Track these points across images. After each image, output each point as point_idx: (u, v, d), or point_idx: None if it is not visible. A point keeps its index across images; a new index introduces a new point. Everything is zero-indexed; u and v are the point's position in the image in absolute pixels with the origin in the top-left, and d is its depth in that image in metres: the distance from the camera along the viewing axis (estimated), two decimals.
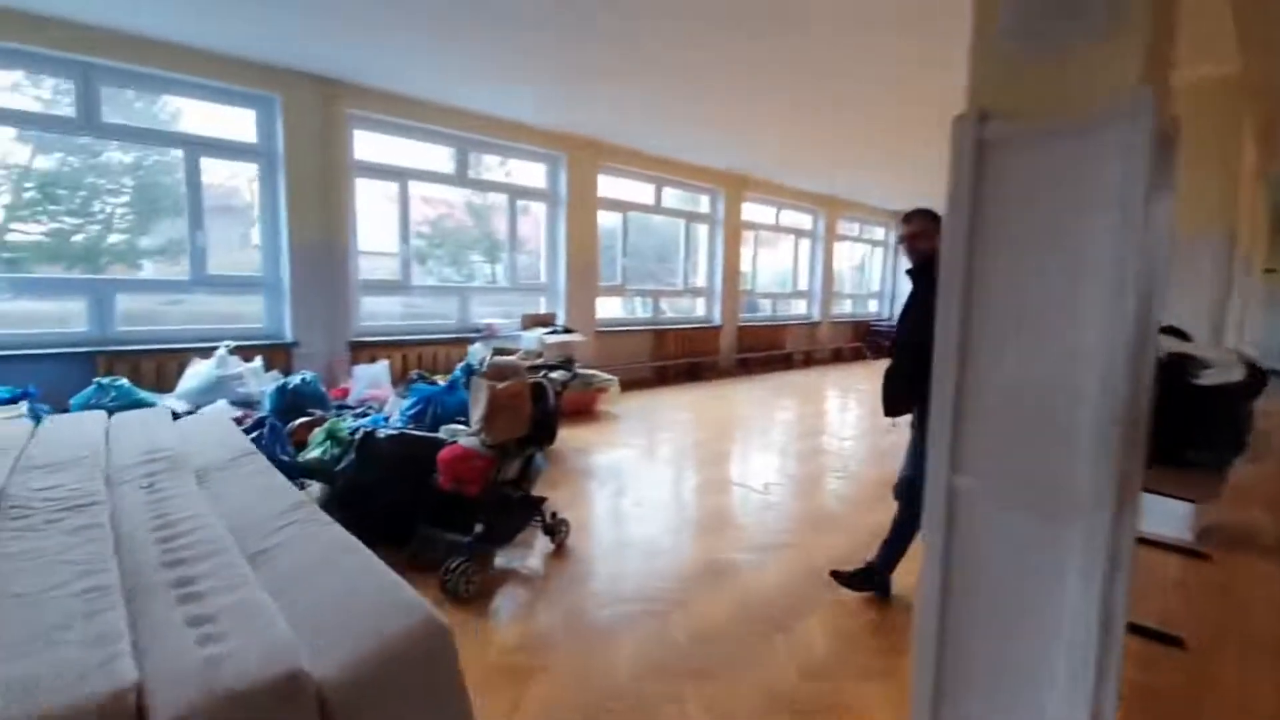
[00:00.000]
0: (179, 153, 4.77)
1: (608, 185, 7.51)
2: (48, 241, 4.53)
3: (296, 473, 2.97)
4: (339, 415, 4.24)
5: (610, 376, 6.16)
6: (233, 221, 5.40)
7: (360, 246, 5.72)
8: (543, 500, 3.30)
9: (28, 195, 4.45)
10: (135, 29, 4.27)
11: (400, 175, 5.88)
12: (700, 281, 9.03)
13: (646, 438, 5.34)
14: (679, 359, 8.26)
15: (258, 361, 4.54)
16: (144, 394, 3.68)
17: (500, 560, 2.80)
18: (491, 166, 6.89)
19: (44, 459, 2.11)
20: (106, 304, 4.52)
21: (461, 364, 4.59)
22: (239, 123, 5.07)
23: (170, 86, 4.70)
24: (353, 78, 5.22)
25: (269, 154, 5.10)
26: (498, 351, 5.32)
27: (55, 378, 4.05)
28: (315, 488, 2.83)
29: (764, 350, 9.55)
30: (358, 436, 2.97)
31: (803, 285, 10.85)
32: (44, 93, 4.36)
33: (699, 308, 9.09)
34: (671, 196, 8.51)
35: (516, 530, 2.83)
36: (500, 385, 2.72)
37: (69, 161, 4.51)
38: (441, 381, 5.01)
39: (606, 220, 7.69)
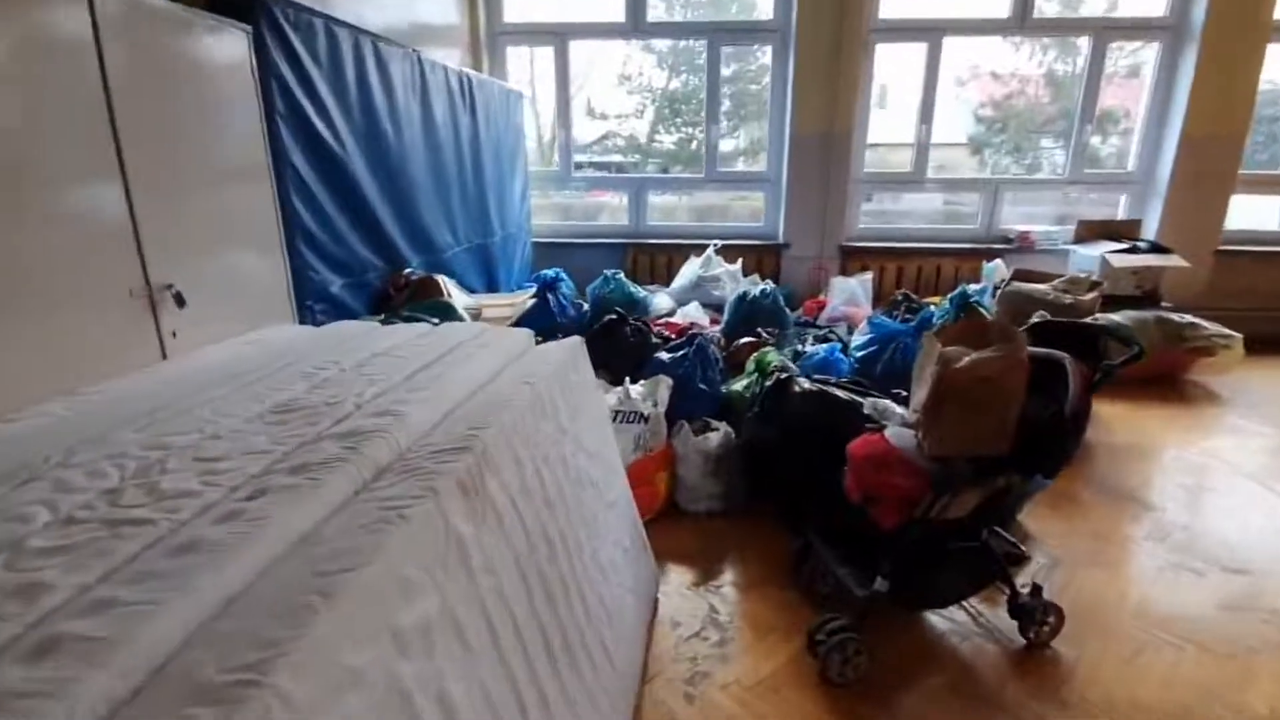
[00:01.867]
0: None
1: None
2: (673, 149, 5.34)
3: (706, 406, 2.62)
4: (798, 335, 3.76)
5: (1228, 332, 3.81)
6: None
7: (869, 137, 4.84)
8: (1016, 558, 2.13)
9: (663, 111, 5.29)
10: None
11: (931, 32, 4.59)
12: None
13: (1264, 459, 3.06)
14: None
15: (738, 264, 4.38)
16: (635, 288, 3.94)
17: (920, 630, 1.88)
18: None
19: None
20: (641, 200, 5.05)
21: (955, 291, 3.41)
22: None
23: None
24: None
25: (782, 30, 4.61)
26: (1019, 276, 3.82)
27: (597, 263, 4.77)
28: (718, 433, 2.42)
29: None
30: (769, 381, 2.39)
31: None
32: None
33: None
34: None
35: (952, 597, 1.82)
36: (966, 359, 1.65)
37: (690, 81, 5.23)
38: (934, 306, 3.94)
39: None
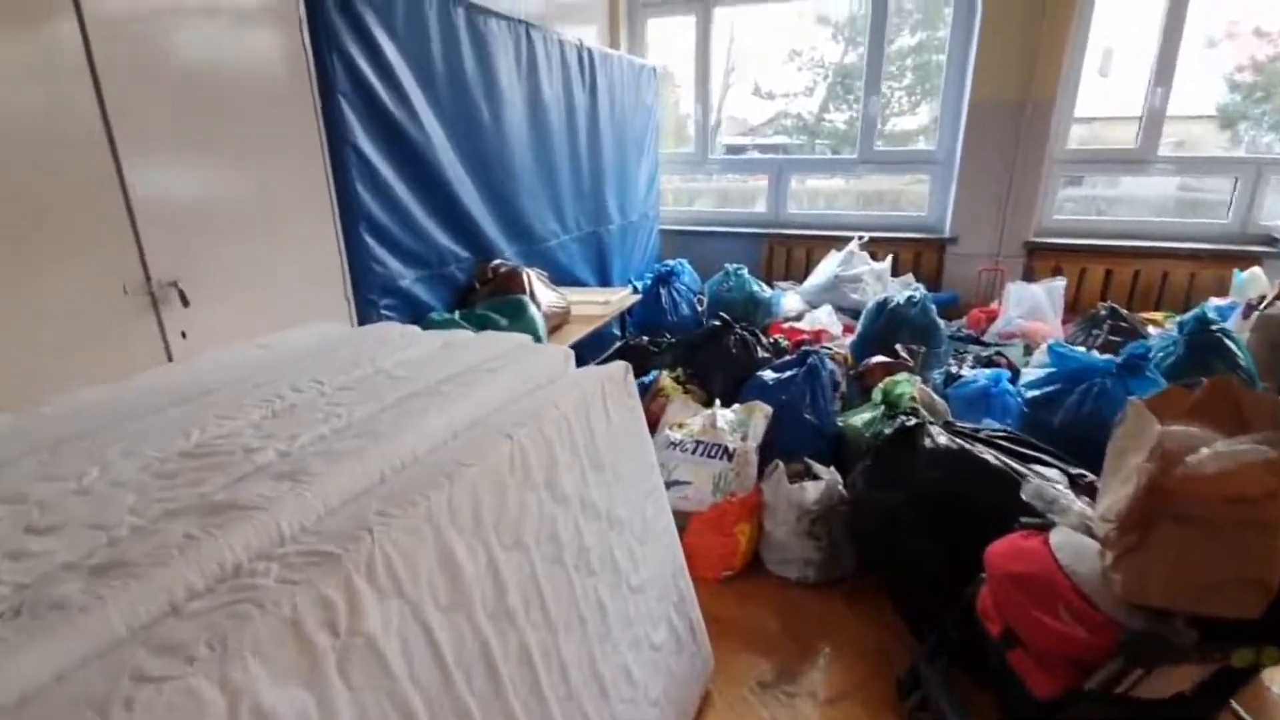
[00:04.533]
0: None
1: None
2: (843, 128, 4.70)
3: (813, 443, 2.13)
4: (955, 353, 3.07)
5: None
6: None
7: (1080, 109, 3.86)
8: None
9: (835, 88, 4.73)
10: None
11: None
12: None
13: None
14: None
15: (887, 262, 3.71)
16: (759, 286, 3.47)
17: None
18: None
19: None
20: (782, 185, 4.51)
21: (1190, 313, 2.52)
22: None
23: None
24: None
25: None
26: None
27: (733, 255, 4.32)
28: (820, 483, 1.92)
29: None
30: (893, 426, 1.85)
31: None
32: None
33: None
34: None
35: None
36: (1202, 454, 1.05)
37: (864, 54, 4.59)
38: (1156, 333, 3.05)
39: None
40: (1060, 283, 3.40)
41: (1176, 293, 3.63)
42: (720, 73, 4.58)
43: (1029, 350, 3.13)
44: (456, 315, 2.15)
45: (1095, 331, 3.12)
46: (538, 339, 2.05)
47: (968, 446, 1.70)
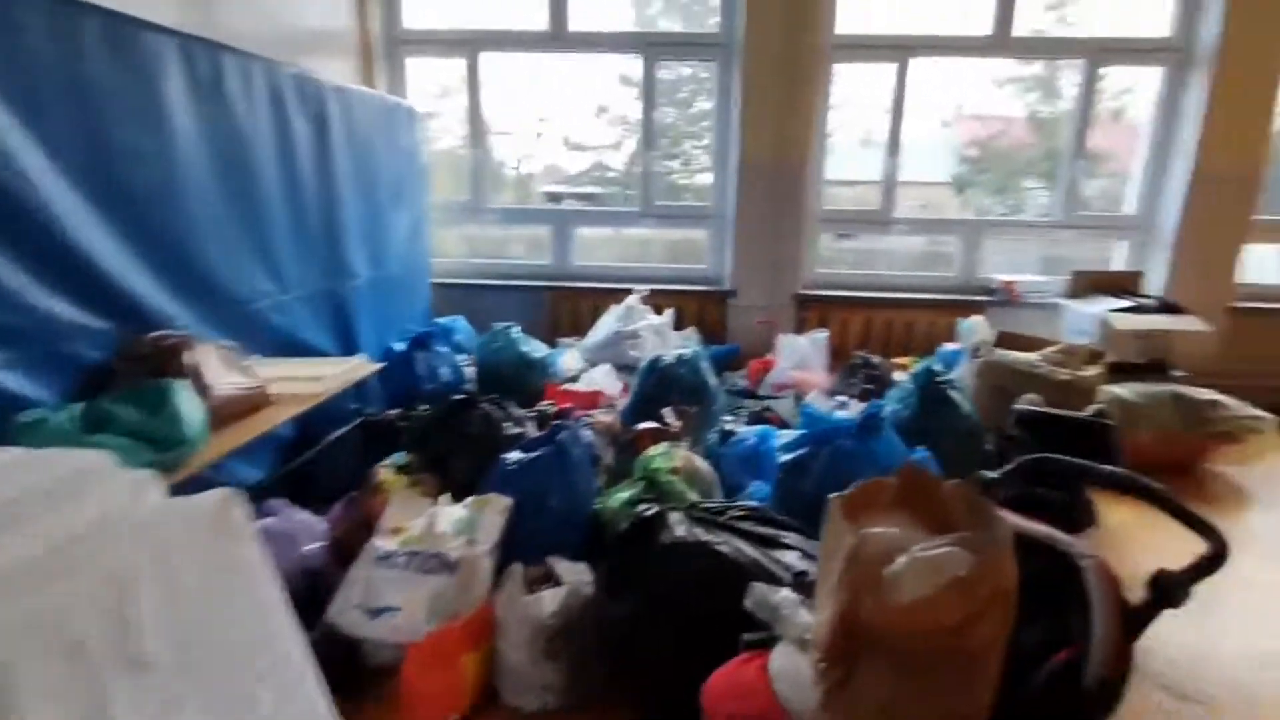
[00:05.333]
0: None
1: None
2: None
3: (570, 534, 1.84)
4: (733, 408, 3.00)
5: (1258, 413, 3.08)
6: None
7: (843, 171, 4.22)
8: None
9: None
10: None
11: (897, 50, 3.94)
12: None
13: None
14: None
15: (667, 315, 3.64)
16: (530, 347, 3.18)
17: None
18: (1065, 12, 4.19)
19: None
20: (565, 235, 4.33)
21: (920, 366, 2.65)
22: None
23: None
24: None
25: (727, 45, 3.96)
26: (1003, 341, 3.10)
27: (513, 309, 4.02)
28: (559, 592, 1.62)
29: None
30: (635, 516, 1.61)
31: None
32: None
33: None
34: None
35: None
36: (900, 566, 0.89)
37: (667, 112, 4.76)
38: (905, 371, 3.22)
39: None
40: (823, 334, 3.53)
41: (921, 339, 3.97)
42: (516, 122, 4.39)
43: (799, 399, 3.17)
44: (69, 413, 1.56)
45: (853, 380, 3.25)
46: (178, 442, 1.55)
47: (706, 539, 1.50)
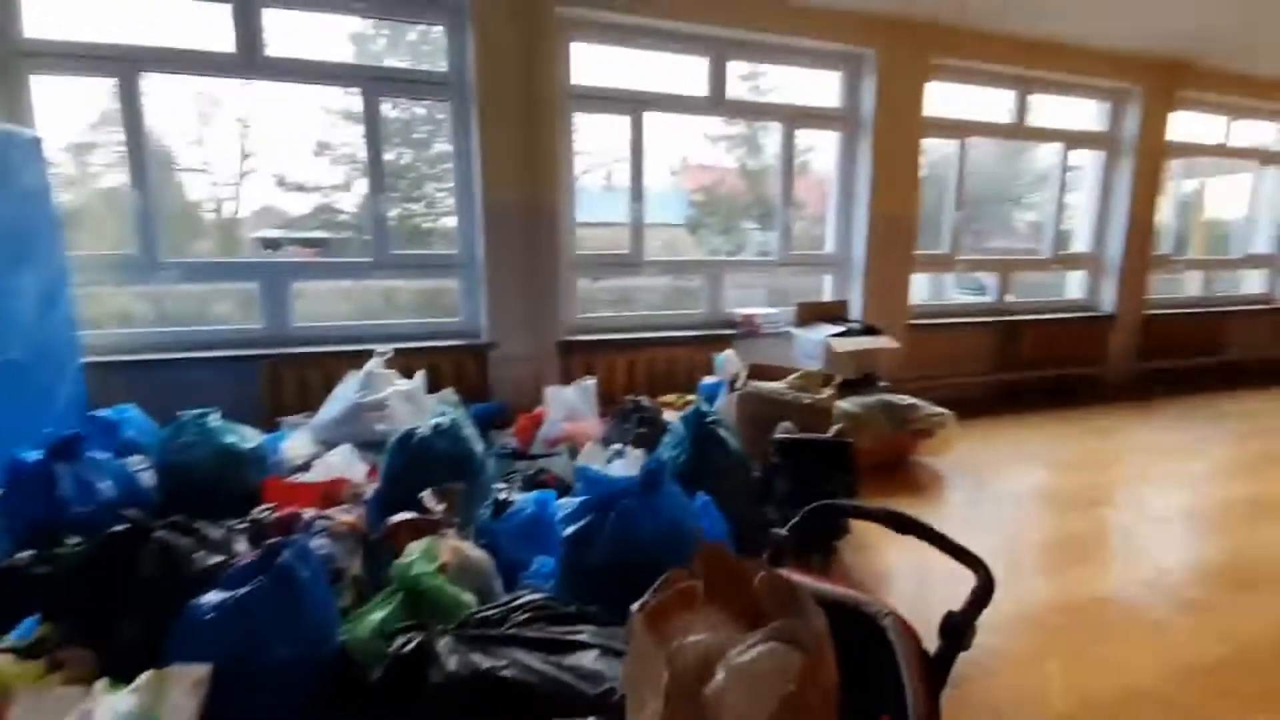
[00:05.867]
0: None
1: (939, 98, 4.85)
2: (395, 225, 3.99)
3: (298, 683, 1.38)
4: (505, 475, 2.69)
5: (941, 410, 3.71)
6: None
7: (600, 215, 4.27)
8: None
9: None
10: None
11: (631, 104, 4.11)
12: (1082, 245, 5.77)
13: (996, 538, 2.85)
14: (1040, 369, 5.29)
15: (419, 378, 3.22)
16: (236, 435, 2.52)
17: None
18: (760, 82, 4.83)
19: None
20: (280, 291, 3.63)
21: (690, 408, 2.66)
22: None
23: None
24: None
25: (458, 85, 3.74)
26: (755, 373, 3.31)
27: (215, 387, 3.21)
28: None
29: (1186, 355, 5.90)
30: (392, 653, 1.25)
31: (1260, 246, 6.62)
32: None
33: (1074, 287, 5.86)
34: (1046, 109, 5.39)
35: None
36: (719, 677, 0.71)
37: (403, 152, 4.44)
38: (674, 409, 3.23)
39: (930, 152, 5.07)
40: (590, 381, 3.43)
41: (683, 375, 4.11)
42: (212, 157, 3.56)
43: (574, 453, 2.99)
44: None
45: (626, 425, 3.18)
46: None
47: (487, 666, 1.20)
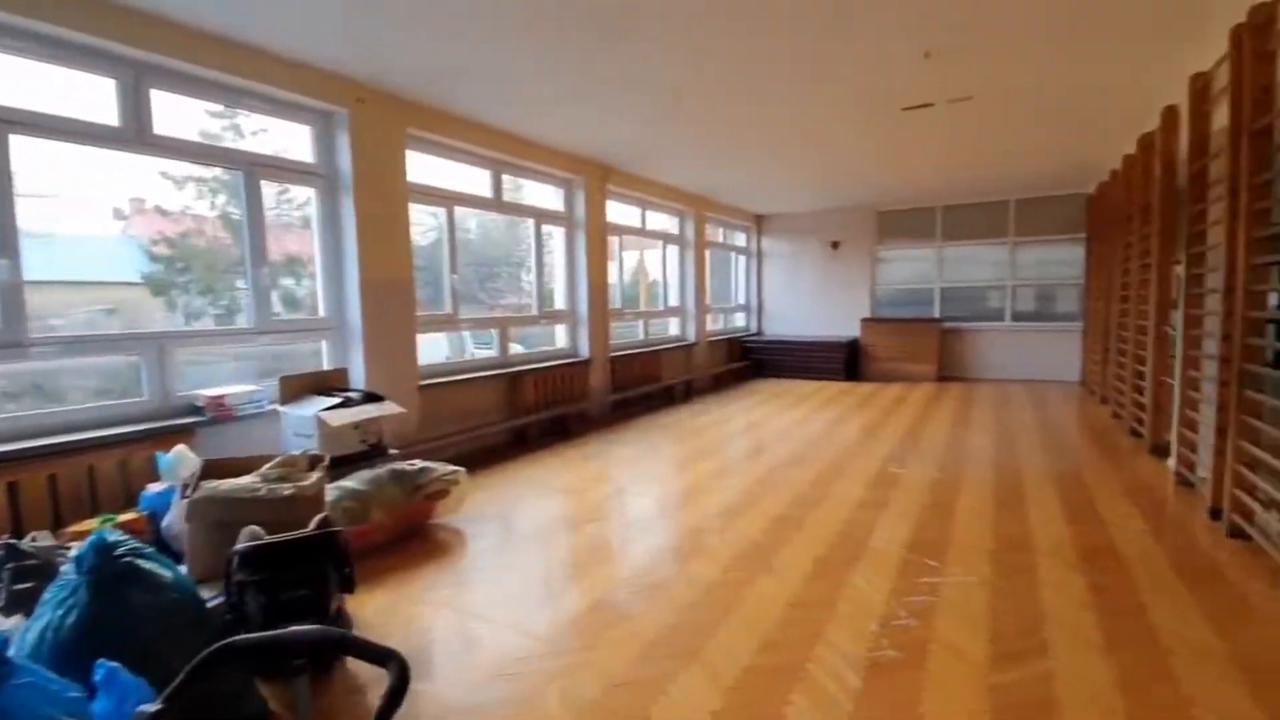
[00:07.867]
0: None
1: (423, 167, 5.02)
2: None
3: None
4: None
5: (453, 468, 3.70)
6: None
7: None
8: None
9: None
10: None
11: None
12: (561, 302, 6.79)
13: (517, 583, 2.96)
14: (541, 412, 5.93)
15: None
16: None
17: None
18: (221, 123, 4.11)
19: None
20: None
21: (84, 544, 1.87)
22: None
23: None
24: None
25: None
26: (211, 471, 2.65)
27: None
28: None
29: (640, 385, 7.54)
30: None
31: (673, 300, 9.05)
32: None
33: (560, 338, 6.85)
34: (519, 188, 6.19)
35: None
36: None
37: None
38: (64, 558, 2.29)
39: (425, 221, 5.21)
40: None
41: (114, 489, 3.05)
42: None
43: None
44: None
45: None
46: None
47: None
